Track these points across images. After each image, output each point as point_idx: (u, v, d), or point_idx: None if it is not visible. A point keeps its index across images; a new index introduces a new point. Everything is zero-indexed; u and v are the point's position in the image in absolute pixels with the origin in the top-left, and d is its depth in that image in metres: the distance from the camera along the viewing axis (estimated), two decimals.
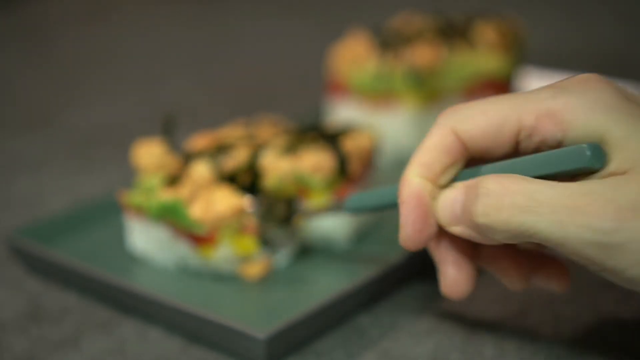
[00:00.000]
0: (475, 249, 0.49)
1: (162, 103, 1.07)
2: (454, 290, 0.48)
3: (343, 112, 0.82)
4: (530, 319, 0.53)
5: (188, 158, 0.60)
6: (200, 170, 0.58)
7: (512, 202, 0.41)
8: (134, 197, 0.59)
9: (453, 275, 0.48)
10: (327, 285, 0.56)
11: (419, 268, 0.59)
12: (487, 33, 0.81)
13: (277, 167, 0.60)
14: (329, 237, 0.62)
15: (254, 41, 1.39)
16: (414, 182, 0.46)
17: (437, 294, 0.57)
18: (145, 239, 0.60)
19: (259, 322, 0.50)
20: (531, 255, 0.49)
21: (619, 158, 0.40)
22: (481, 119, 0.44)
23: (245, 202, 0.57)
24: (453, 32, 0.82)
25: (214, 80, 1.18)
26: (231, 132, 0.65)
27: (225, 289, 0.56)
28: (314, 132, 0.63)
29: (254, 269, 0.57)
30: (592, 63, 1.09)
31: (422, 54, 0.79)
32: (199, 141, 0.64)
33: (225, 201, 0.56)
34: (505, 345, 0.50)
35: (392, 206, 0.50)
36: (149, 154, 0.60)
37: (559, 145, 0.42)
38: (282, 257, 0.59)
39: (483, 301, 0.55)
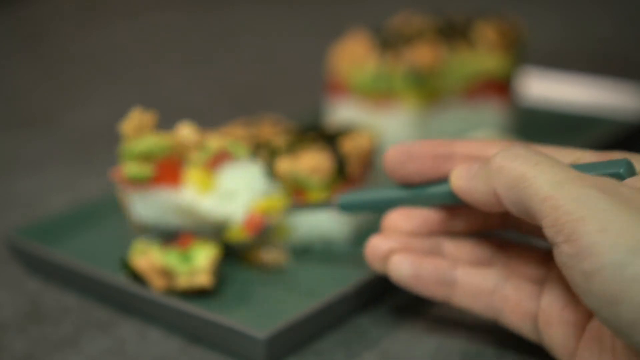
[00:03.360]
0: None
1: (162, 102, 1.07)
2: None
3: (343, 112, 0.82)
4: None
5: None
6: (186, 132, 0.57)
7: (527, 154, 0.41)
8: (127, 169, 0.58)
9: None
10: (327, 285, 0.56)
11: None
12: (487, 33, 0.81)
13: (275, 167, 0.60)
14: (328, 237, 0.62)
15: (254, 41, 1.39)
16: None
17: None
18: (149, 207, 0.58)
19: (259, 322, 0.50)
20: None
21: None
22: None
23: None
24: (453, 32, 0.82)
25: (214, 80, 1.18)
26: (231, 131, 0.65)
27: (225, 289, 0.56)
28: (314, 132, 0.63)
29: (271, 256, 0.58)
30: (593, 63, 1.09)
31: (422, 54, 0.79)
32: None
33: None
34: (505, 345, 0.50)
35: (385, 207, 0.52)
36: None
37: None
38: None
39: None
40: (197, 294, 0.55)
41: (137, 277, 0.55)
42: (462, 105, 0.81)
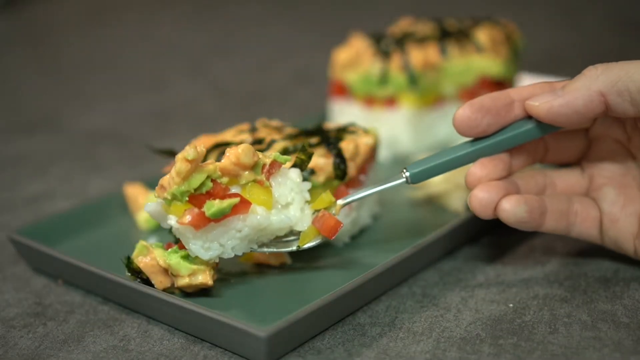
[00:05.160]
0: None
1: (165, 105, 1.08)
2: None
3: (344, 114, 0.83)
4: (527, 317, 0.54)
5: None
6: (244, 153, 0.54)
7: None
8: (210, 206, 0.53)
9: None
10: (327, 284, 0.57)
11: (416, 268, 0.60)
12: (483, 37, 0.82)
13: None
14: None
15: (258, 45, 1.40)
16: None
17: (435, 293, 0.57)
18: (213, 241, 0.55)
19: (260, 320, 0.51)
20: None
21: None
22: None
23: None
24: (451, 36, 0.83)
25: (218, 83, 1.18)
26: (234, 134, 0.65)
27: (226, 288, 0.57)
28: (316, 134, 0.64)
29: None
30: None
31: (421, 57, 0.80)
32: (203, 143, 0.64)
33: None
34: (502, 343, 0.51)
35: (456, 165, 0.56)
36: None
37: None
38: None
39: (480, 300, 0.56)
40: (199, 293, 0.56)
41: (140, 276, 0.56)
42: (459, 106, 0.82)
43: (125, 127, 0.99)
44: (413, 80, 0.80)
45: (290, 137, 0.64)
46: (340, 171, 0.61)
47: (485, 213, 0.55)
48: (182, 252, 0.55)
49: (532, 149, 0.58)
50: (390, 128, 0.80)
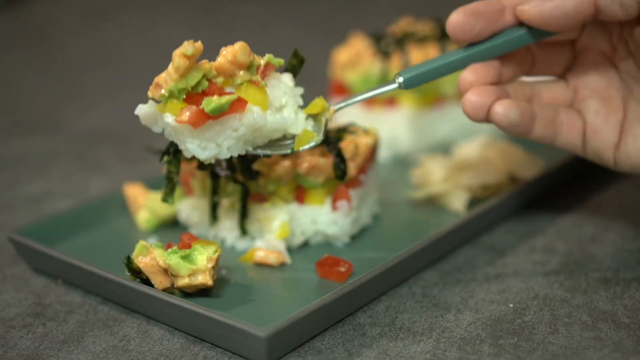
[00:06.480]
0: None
1: None
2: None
3: (344, 114, 0.83)
4: (527, 318, 0.54)
5: None
6: (240, 51, 0.56)
7: None
8: (208, 102, 0.53)
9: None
10: (327, 284, 0.57)
11: (416, 268, 0.60)
12: None
13: (276, 167, 0.60)
14: (328, 236, 0.63)
15: (258, 45, 1.40)
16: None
17: (435, 293, 0.57)
18: (211, 141, 0.55)
19: (260, 320, 0.51)
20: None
21: None
22: None
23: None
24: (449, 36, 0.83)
25: None
26: None
27: (226, 288, 0.57)
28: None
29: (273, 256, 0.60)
30: None
31: (421, 57, 0.80)
32: None
33: None
34: (502, 343, 0.51)
35: (449, 70, 0.57)
36: None
37: None
38: None
39: (480, 300, 0.56)
40: (199, 293, 0.56)
41: (140, 276, 0.56)
42: (458, 107, 0.81)
43: (125, 127, 0.99)
44: None
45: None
46: (340, 171, 0.61)
47: (477, 116, 0.56)
48: (182, 252, 0.55)
49: (520, 59, 0.59)
50: (390, 128, 0.80)
